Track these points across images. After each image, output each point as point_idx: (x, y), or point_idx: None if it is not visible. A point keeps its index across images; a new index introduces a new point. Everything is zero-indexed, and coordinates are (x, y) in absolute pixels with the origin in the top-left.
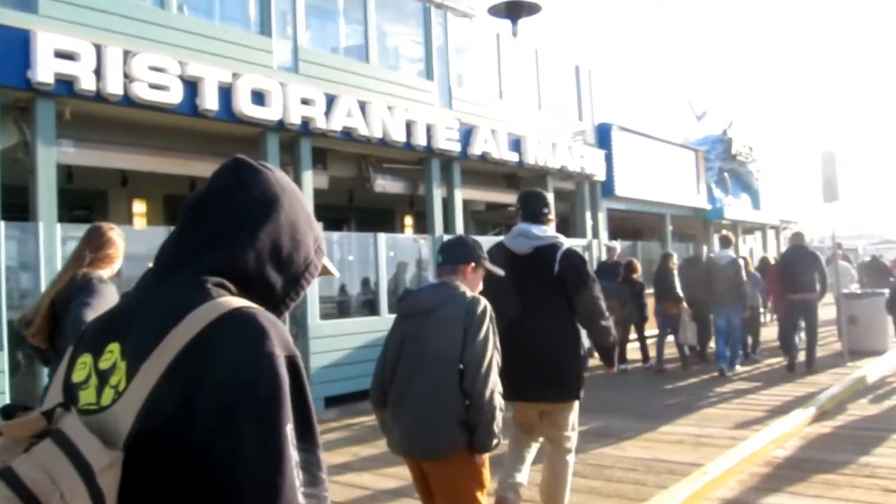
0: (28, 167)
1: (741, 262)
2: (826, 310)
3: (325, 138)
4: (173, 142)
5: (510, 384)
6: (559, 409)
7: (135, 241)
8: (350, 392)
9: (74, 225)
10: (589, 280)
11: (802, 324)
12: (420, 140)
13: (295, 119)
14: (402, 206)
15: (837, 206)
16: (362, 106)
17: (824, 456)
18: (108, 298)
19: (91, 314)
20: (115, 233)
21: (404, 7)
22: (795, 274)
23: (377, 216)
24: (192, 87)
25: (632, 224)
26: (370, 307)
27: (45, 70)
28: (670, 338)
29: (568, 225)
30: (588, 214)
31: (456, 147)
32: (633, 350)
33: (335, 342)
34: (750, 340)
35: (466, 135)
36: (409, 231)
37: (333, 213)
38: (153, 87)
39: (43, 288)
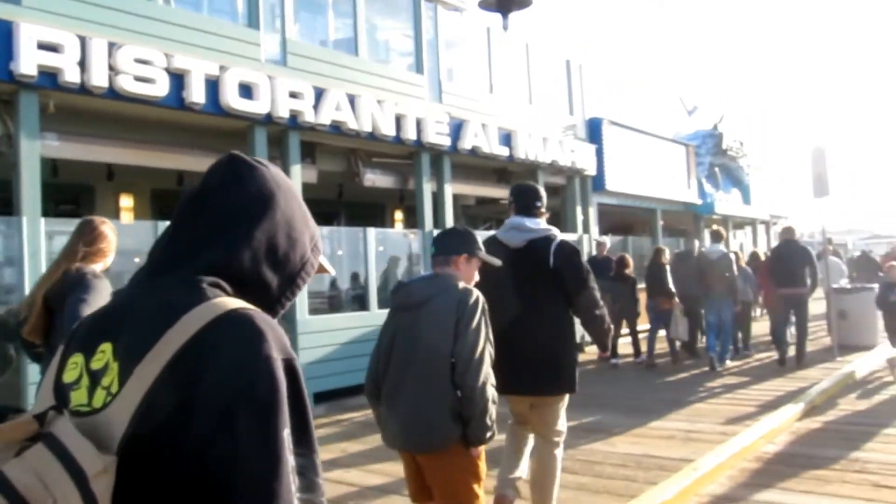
0: (11, 161)
1: (732, 256)
2: (816, 304)
3: (313, 132)
4: (160, 135)
5: (503, 377)
6: (549, 403)
7: (122, 235)
8: (339, 388)
9: (60, 220)
10: (584, 271)
11: (793, 318)
12: (410, 134)
13: (283, 112)
14: (392, 201)
15: (827, 201)
16: (351, 99)
17: (814, 451)
18: (103, 294)
19: (88, 311)
20: (108, 227)
21: (394, 0)
22: (786, 268)
23: (367, 211)
24: (178, 79)
25: (622, 219)
26: (360, 302)
27: (28, 62)
28: (661, 333)
29: (558, 220)
30: (579, 209)
31: (446, 141)
32: (624, 345)
33: (324, 337)
34: (741, 335)
35: (456, 129)
36: (399, 226)
37: (323, 208)
38: (139, 79)
39: (27, 283)
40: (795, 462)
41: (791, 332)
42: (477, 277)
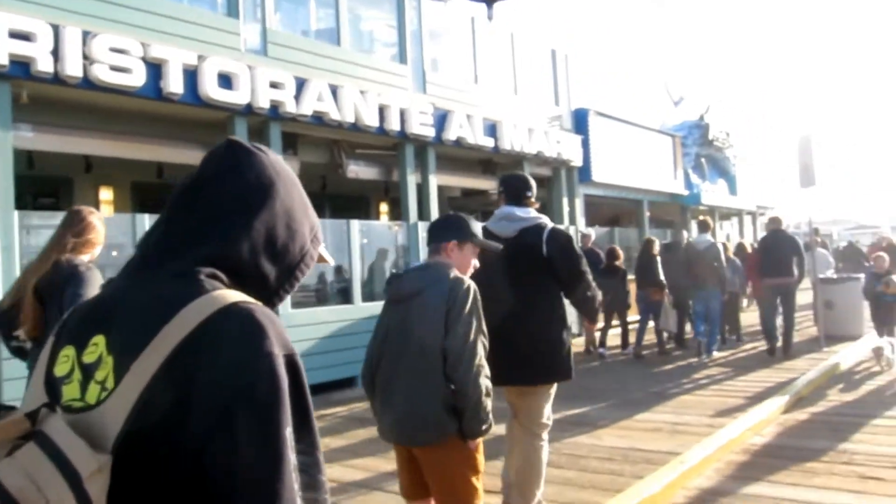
0: None
1: (720, 246)
2: (802, 295)
3: (295, 123)
4: (138, 126)
5: (497, 368)
6: (538, 392)
7: None
8: (323, 382)
9: (36, 213)
10: (577, 257)
11: (781, 308)
12: (393, 125)
13: (264, 103)
14: (377, 193)
15: (813, 192)
16: (334, 90)
17: (802, 443)
18: (96, 286)
19: None
20: (96, 217)
21: None
22: (774, 258)
23: (352, 203)
24: (155, 69)
25: (609, 210)
26: (344, 295)
27: None
28: (650, 324)
29: (544, 211)
30: (565, 200)
31: (430, 132)
32: (613, 336)
33: (308, 331)
34: (728, 326)
35: (441, 120)
36: (384, 218)
37: None
38: (114, 69)
39: (0, 277)
40: (783, 454)
41: (779, 322)
42: (477, 264)
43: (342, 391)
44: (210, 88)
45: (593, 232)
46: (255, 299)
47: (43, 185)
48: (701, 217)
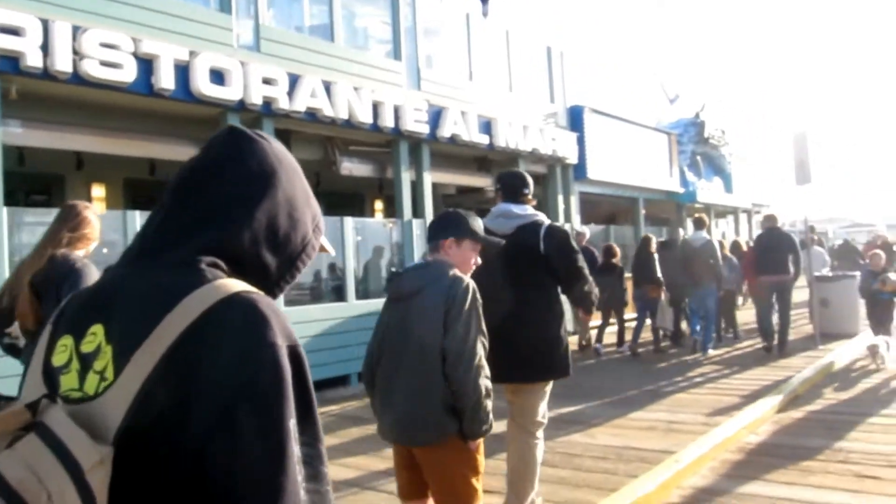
0: None
1: (716, 244)
2: (798, 292)
3: (288, 119)
4: (129, 122)
5: (496, 366)
6: (533, 389)
7: None
8: (316, 380)
9: (25, 209)
10: (573, 252)
11: (776, 305)
12: (387, 121)
13: (256, 99)
14: (371, 191)
15: (808, 190)
16: (327, 86)
17: (797, 441)
18: (92, 281)
19: None
20: (91, 212)
21: None
22: (770, 256)
23: (346, 200)
24: (146, 65)
25: (604, 208)
26: (338, 293)
27: None
28: (647, 322)
29: (539, 209)
30: (560, 198)
31: (424, 129)
32: (609, 334)
33: (301, 329)
34: (724, 324)
35: (435, 116)
36: (379, 215)
37: None
38: (105, 64)
39: None
40: (778, 452)
41: (775, 319)
42: (478, 261)
43: (335, 389)
44: (202, 84)
45: (588, 230)
46: (260, 291)
47: (34, 182)
48: (696, 214)
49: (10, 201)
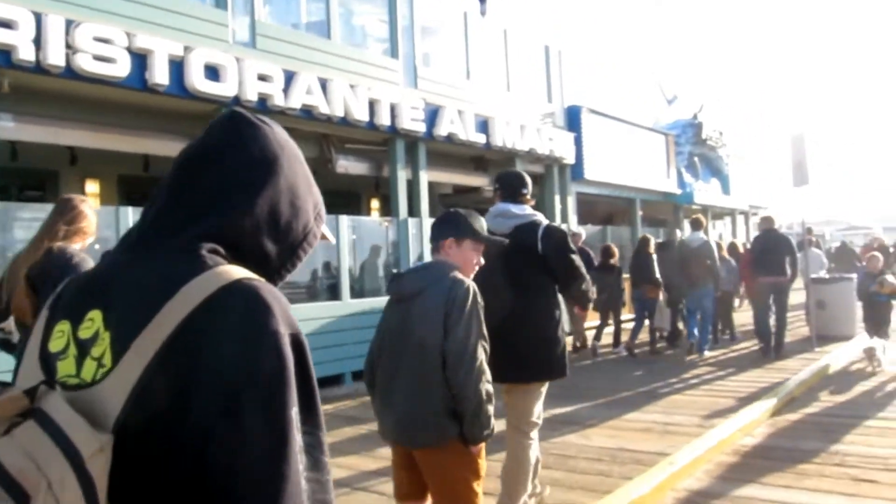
0: None
1: (713, 245)
2: (795, 294)
3: (283, 116)
4: (123, 118)
5: (494, 367)
6: (529, 389)
7: None
8: None
9: (17, 204)
10: (571, 252)
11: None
12: (384, 120)
13: (251, 96)
14: (368, 189)
15: (805, 192)
16: (323, 83)
17: (793, 444)
18: None
19: None
20: (88, 206)
21: None
22: (768, 257)
23: (342, 199)
24: (140, 59)
25: (601, 208)
26: (332, 292)
27: None
28: (645, 323)
29: (536, 209)
30: (557, 198)
31: (421, 127)
32: (606, 334)
33: None
34: (721, 325)
35: (432, 115)
36: (375, 214)
37: None
38: (98, 58)
39: None
40: (774, 455)
41: (771, 321)
42: (482, 261)
43: (329, 388)
44: (196, 80)
45: (583, 231)
46: (262, 278)
47: (28, 178)
48: (694, 215)
49: (3, 197)
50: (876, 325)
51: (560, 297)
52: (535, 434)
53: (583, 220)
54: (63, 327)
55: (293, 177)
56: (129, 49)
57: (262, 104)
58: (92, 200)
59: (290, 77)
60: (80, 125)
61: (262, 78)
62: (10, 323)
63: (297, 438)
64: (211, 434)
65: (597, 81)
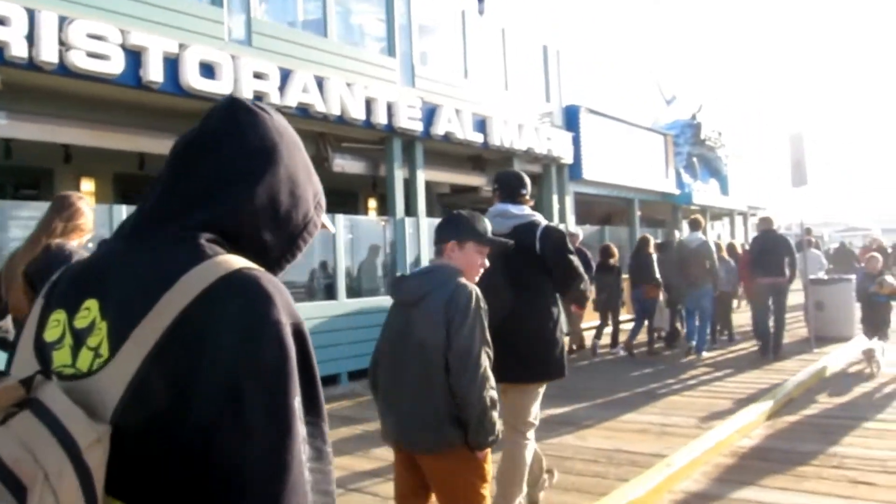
0: None
1: (712, 245)
2: (793, 295)
3: (279, 114)
4: (118, 116)
5: (495, 368)
6: (528, 389)
7: None
8: None
9: (16, 202)
10: (568, 252)
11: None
12: (381, 118)
13: (247, 93)
14: (365, 189)
15: (804, 192)
16: (319, 82)
17: (791, 446)
18: None
19: None
20: (85, 203)
21: None
22: (766, 258)
23: (339, 198)
24: (134, 57)
25: (600, 208)
26: (328, 291)
27: None
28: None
29: (534, 209)
30: (555, 198)
31: (418, 126)
32: (605, 334)
33: None
34: (719, 326)
35: (429, 114)
36: (372, 214)
37: None
38: (91, 55)
39: None
40: (772, 457)
41: (770, 322)
42: (486, 263)
43: (325, 388)
44: (191, 78)
45: (581, 231)
46: (262, 268)
47: (23, 176)
48: (692, 216)
49: None
50: (875, 326)
51: (558, 297)
52: (531, 434)
53: (581, 221)
54: (59, 317)
55: (292, 165)
56: (123, 46)
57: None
58: (88, 198)
59: (286, 75)
60: (74, 123)
61: (257, 76)
62: (8, 321)
63: (301, 429)
64: (213, 426)
65: (595, 81)
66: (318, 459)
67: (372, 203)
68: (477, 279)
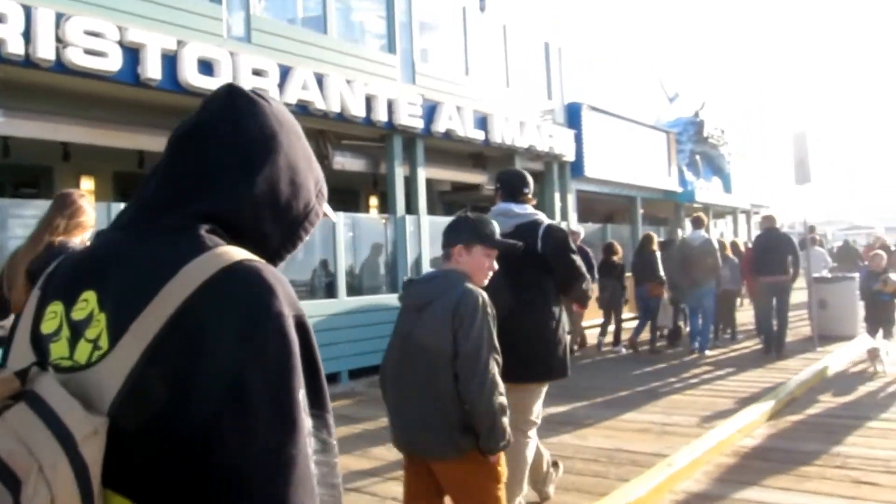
0: None
1: (715, 243)
2: (796, 294)
3: (278, 102)
4: (116, 113)
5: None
6: (531, 388)
7: None
8: None
9: (15, 200)
10: (570, 252)
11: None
12: (381, 116)
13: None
14: (366, 186)
15: (807, 191)
16: (319, 79)
17: (793, 445)
18: None
19: None
20: (86, 200)
21: None
22: (769, 256)
23: (340, 196)
24: (132, 54)
25: (602, 206)
26: (328, 289)
27: None
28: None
29: (536, 207)
30: (557, 196)
31: (419, 124)
32: (609, 332)
33: None
34: (722, 324)
35: (430, 111)
36: (374, 212)
37: None
38: (89, 52)
39: None
40: (774, 457)
41: (773, 321)
42: (496, 267)
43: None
44: (190, 75)
45: (582, 229)
46: (263, 260)
47: (22, 174)
48: (695, 214)
49: None
50: (878, 325)
51: (560, 296)
52: (532, 433)
53: (583, 219)
54: (56, 308)
55: (293, 154)
56: (120, 43)
57: None
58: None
59: (285, 72)
60: (71, 120)
61: (256, 73)
62: (10, 320)
63: (306, 421)
64: (216, 419)
65: (597, 78)
66: (323, 452)
67: (373, 201)
68: (486, 282)
